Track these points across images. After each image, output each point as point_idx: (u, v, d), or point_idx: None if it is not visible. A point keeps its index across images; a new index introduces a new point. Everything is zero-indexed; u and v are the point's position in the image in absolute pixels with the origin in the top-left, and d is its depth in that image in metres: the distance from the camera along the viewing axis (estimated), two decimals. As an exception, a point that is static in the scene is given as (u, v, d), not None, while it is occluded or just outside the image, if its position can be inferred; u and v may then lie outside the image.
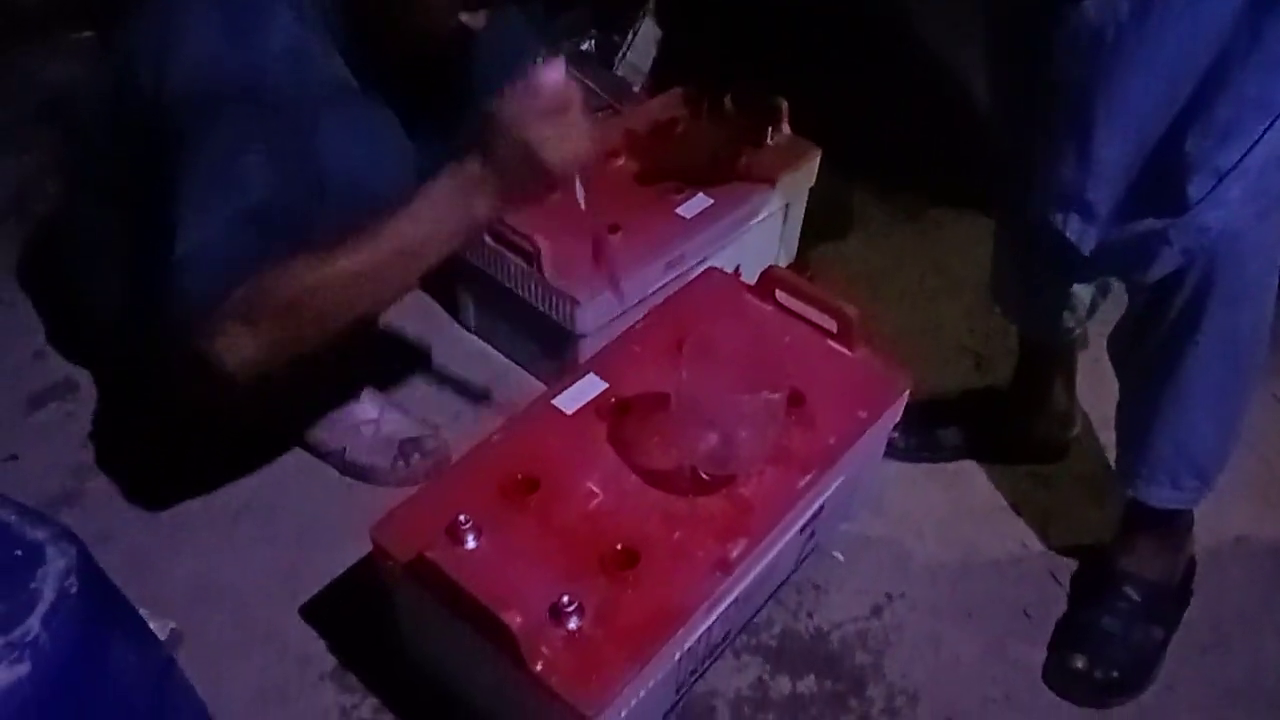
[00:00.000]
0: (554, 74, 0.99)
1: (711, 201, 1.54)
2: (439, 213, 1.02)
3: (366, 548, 1.10)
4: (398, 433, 1.40)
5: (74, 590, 0.66)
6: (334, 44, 1.14)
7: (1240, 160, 0.99)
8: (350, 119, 1.12)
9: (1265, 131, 0.98)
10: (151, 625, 0.96)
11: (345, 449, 1.39)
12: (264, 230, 1.02)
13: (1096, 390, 1.47)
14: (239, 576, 1.29)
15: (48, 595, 0.66)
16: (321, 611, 1.27)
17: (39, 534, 0.69)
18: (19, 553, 0.68)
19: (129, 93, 1.12)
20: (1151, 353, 1.15)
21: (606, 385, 1.22)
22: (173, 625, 1.19)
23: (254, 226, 1.02)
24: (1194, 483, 1.21)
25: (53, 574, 0.67)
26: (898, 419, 1.29)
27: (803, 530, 1.20)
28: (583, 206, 1.12)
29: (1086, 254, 1.11)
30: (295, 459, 1.43)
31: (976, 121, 1.34)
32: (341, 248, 1.00)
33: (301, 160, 1.06)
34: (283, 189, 1.04)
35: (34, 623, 0.64)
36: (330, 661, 1.22)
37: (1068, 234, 1.11)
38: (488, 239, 1.44)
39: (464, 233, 1.05)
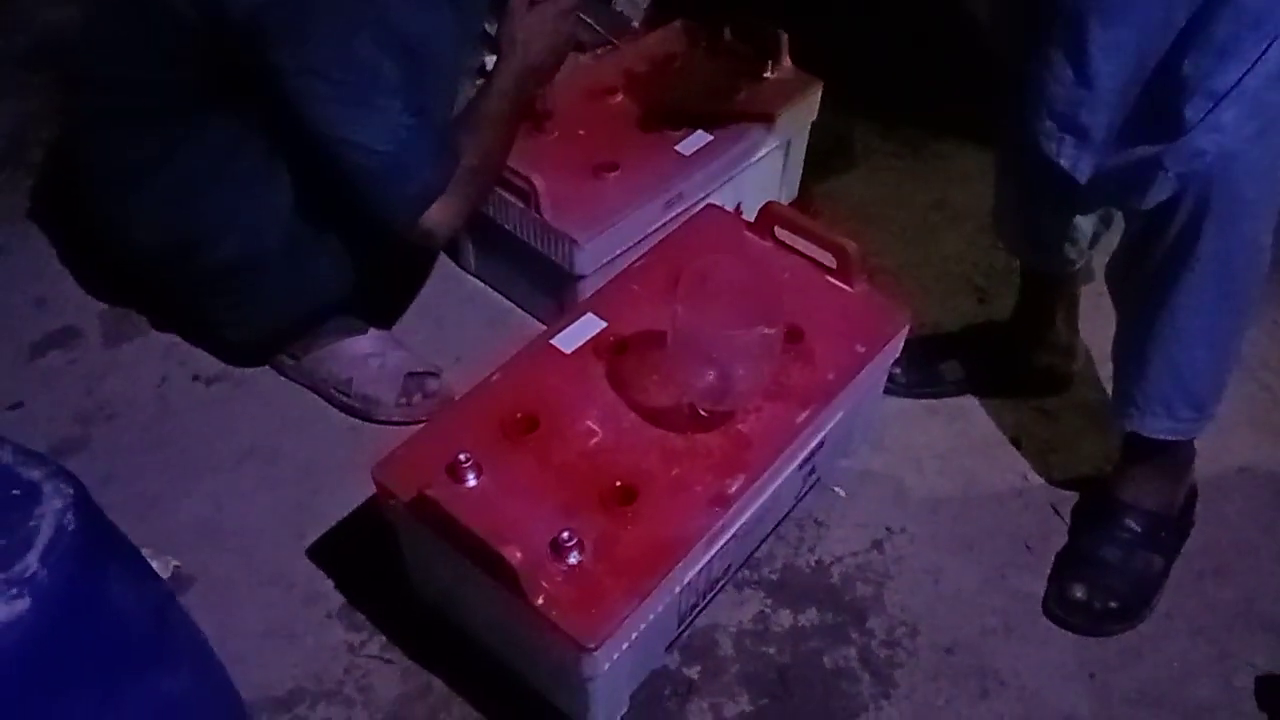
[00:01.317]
0: None
1: (711, 138, 1.52)
2: (514, 93, 1.30)
3: (370, 488, 1.11)
4: (403, 366, 1.42)
5: (72, 528, 0.67)
6: None
7: (1238, 81, 0.97)
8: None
9: (1265, 50, 0.96)
10: (154, 564, 0.97)
11: (353, 379, 1.41)
12: (410, 106, 1.16)
13: (1099, 323, 1.46)
14: (246, 518, 1.31)
15: (46, 532, 0.66)
16: (328, 551, 1.28)
17: (36, 473, 0.70)
18: (17, 492, 0.69)
19: (168, 16, 1.12)
20: (1147, 279, 1.14)
21: (605, 324, 1.22)
22: (176, 563, 1.21)
23: (408, 105, 1.16)
24: (1190, 414, 1.21)
25: (50, 512, 0.68)
26: (898, 354, 1.29)
27: (802, 466, 1.21)
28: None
29: (1082, 181, 1.10)
30: (299, 403, 1.44)
31: (979, 53, 1.32)
32: (479, 126, 1.26)
33: (393, 34, 1.16)
34: (392, 62, 1.14)
35: (32, 559, 0.65)
36: (337, 600, 1.24)
37: (1062, 161, 1.10)
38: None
39: (524, 99, 1.33)
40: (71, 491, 0.69)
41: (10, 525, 0.67)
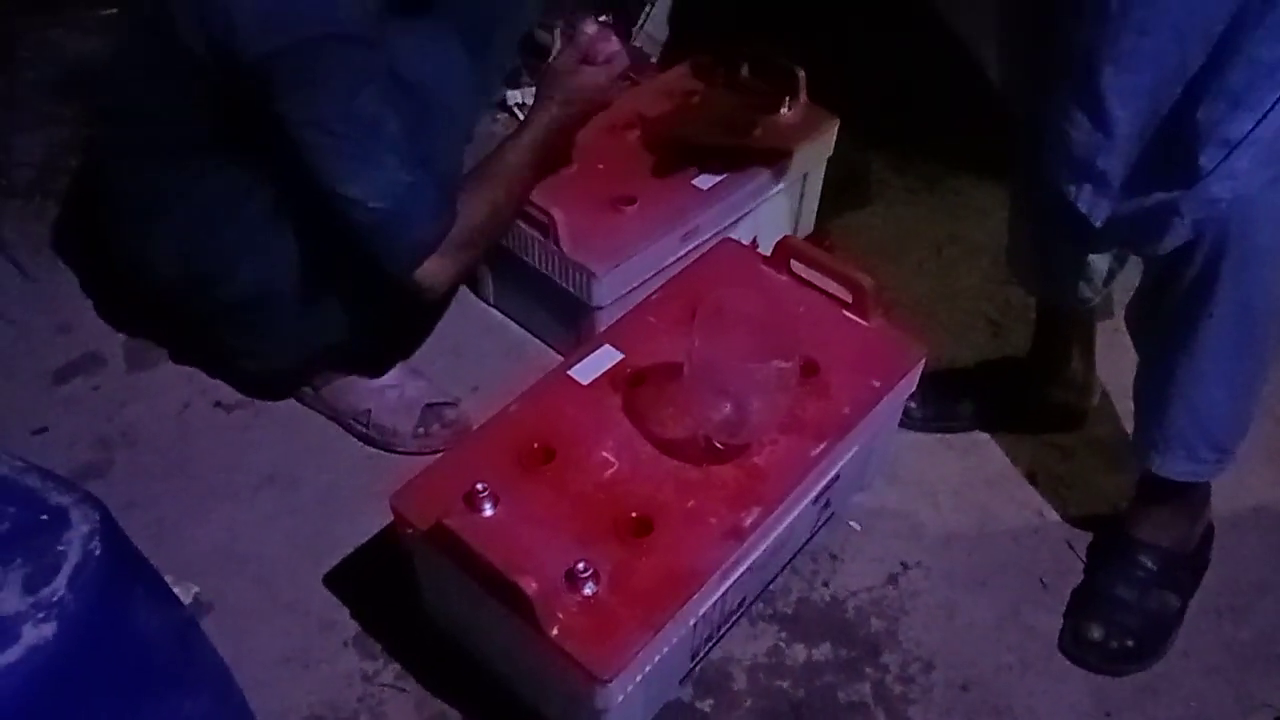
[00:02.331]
0: (606, 45, 1.30)
1: (728, 172, 1.54)
2: (536, 150, 1.30)
3: (388, 517, 1.12)
4: (421, 398, 1.43)
5: (98, 553, 0.68)
6: None
7: (1252, 129, 0.98)
8: (417, 39, 1.25)
9: (1279, 99, 0.96)
10: (175, 590, 0.98)
11: (371, 410, 1.42)
12: (411, 160, 1.16)
13: (1115, 359, 1.46)
14: (263, 545, 1.32)
15: (73, 557, 0.67)
16: (344, 579, 1.29)
17: (64, 499, 0.71)
18: (44, 517, 0.70)
19: (184, 54, 1.12)
20: (1166, 323, 1.14)
21: (622, 356, 1.23)
22: (196, 590, 1.21)
23: (406, 160, 1.15)
24: (1211, 455, 1.21)
25: (77, 537, 0.69)
26: (913, 388, 1.30)
27: (817, 499, 1.21)
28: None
29: (1098, 225, 1.10)
30: (319, 431, 1.45)
31: (993, 90, 1.33)
32: (489, 181, 1.26)
33: (397, 84, 1.16)
34: (396, 116, 1.14)
35: (60, 584, 0.66)
36: (353, 628, 1.24)
37: (1079, 205, 1.10)
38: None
39: (550, 154, 1.35)
40: (98, 517, 0.71)
41: (38, 550, 0.68)
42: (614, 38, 1.31)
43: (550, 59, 1.34)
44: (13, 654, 0.63)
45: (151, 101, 1.23)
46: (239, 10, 1.07)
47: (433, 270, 1.21)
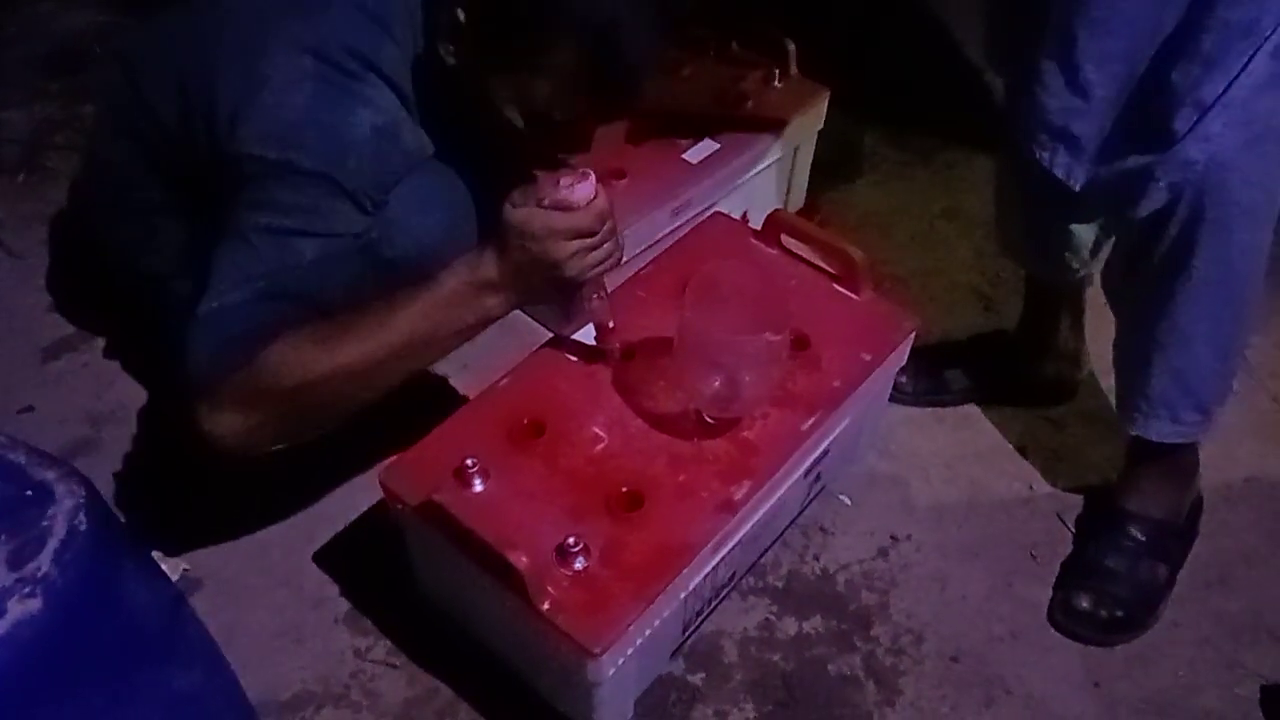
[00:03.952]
0: (583, 191, 1.01)
1: (718, 146, 1.53)
2: (452, 309, 1.04)
3: (379, 493, 1.11)
4: None
5: (83, 528, 0.68)
6: (419, 114, 1.11)
7: (1224, 91, 0.98)
8: (423, 187, 1.09)
9: (1249, 60, 0.97)
10: (163, 567, 0.97)
11: None
12: (294, 310, 1.02)
13: (1106, 332, 1.46)
14: (254, 522, 1.32)
15: (58, 533, 0.67)
16: (336, 556, 1.29)
17: (49, 474, 0.71)
18: (29, 492, 0.69)
19: (198, 108, 1.09)
20: (1145, 287, 1.15)
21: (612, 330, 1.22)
22: (185, 567, 1.21)
23: (286, 305, 1.02)
24: (1194, 416, 1.21)
25: (62, 512, 0.68)
26: (903, 362, 1.29)
27: (808, 473, 1.21)
28: (610, 323, 1.15)
29: (1076, 189, 1.10)
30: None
31: (975, 65, 1.33)
32: (349, 335, 1.01)
33: (361, 248, 1.05)
34: (330, 273, 1.03)
35: (45, 559, 0.66)
36: (344, 605, 1.25)
37: (1055, 169, 1.11)
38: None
39: (474, 329, 1.07)
40: (83, 492, 0.70)
41: (23, 525, 0.68)
42: (595, 183, 1.02)
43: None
44: (-2, 628, 0.63)
45: (148, 106, 1.19)
46: (253, 109, 1.02)
47: (213, 417, 1.01)
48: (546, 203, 1.01)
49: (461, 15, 1.04)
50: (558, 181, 1.01)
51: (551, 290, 1.06)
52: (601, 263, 1.07)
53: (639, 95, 1.08)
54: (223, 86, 1.06)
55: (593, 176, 1.02)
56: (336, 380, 1.02)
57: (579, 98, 1.04)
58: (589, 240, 1.03)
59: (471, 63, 1.07)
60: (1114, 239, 1.21)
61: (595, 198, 1.02)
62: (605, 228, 1.05)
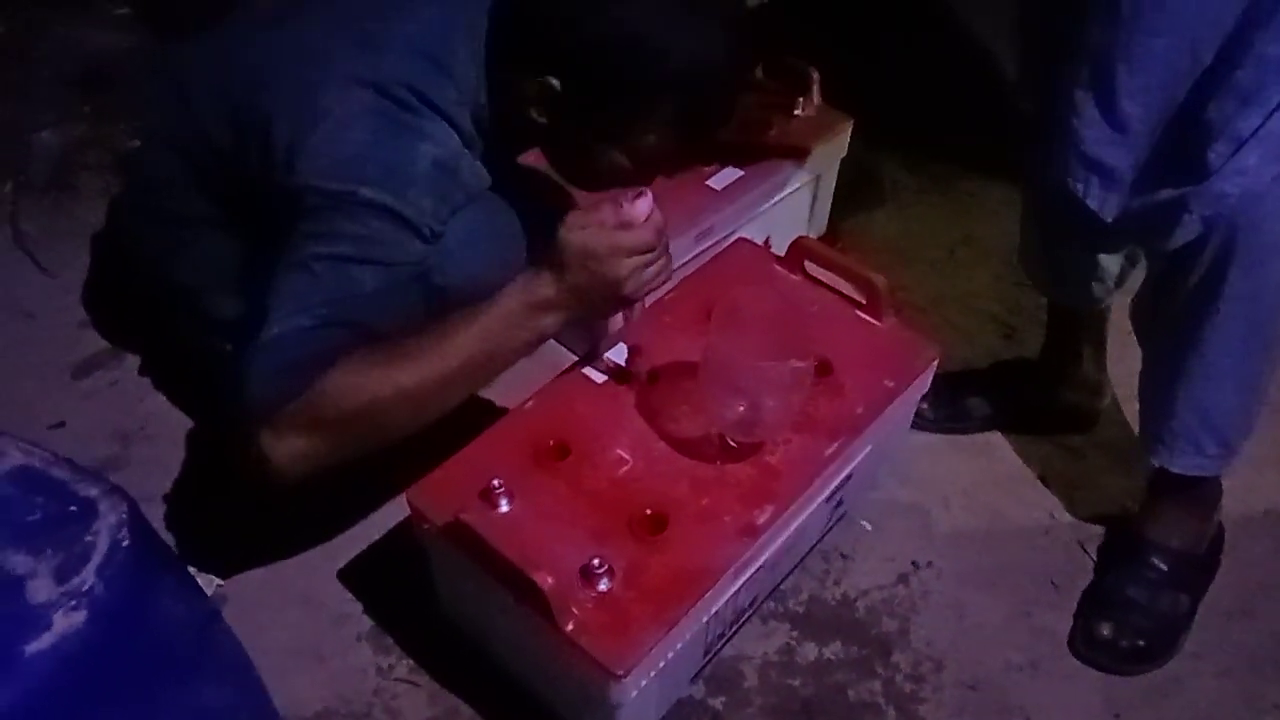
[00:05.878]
0: (644, 207, 1.04)
1: (742, 173, 1.55)
2: (509, 329, 1.06)
3: (403, 512, 1.13)
4: None
5: (125, 543, 0.69)
6: (479, 152, 1.13)
7: (1261, 126, 0.98)
8: (475, 218, 1.11)
9: None
10: (198, 580, 0.99)
11: None
12: (354, 337, 1.04)
13: (1127, 360, 1.46)
14: (278, 540, 1.33)
15: (101, 547, 0.69)
16: (358, 574, 1.30)
17: (92, 490, 0.72)
18: (74, 508, 0.71)
19: (252, 136, 1.10)
20: (1173, 319, 1.15)
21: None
22: (219, 582, 1.22)
23: (346, 333, 1.03)
24: (1218, 450, 1.21)
25: (105, 528, 0.70)
26: (926, 389, 1.30)
27: (829, 498, 1.22)
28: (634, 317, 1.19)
29: (1108, 220, 1.11)
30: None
31: (1007, 90, 1.34)
32: (408, 358, 1.03)
33: (418, 279, 1.07)
34: (389, 301, 1.05)
35: (89, 573, 0.67)
36: (367, 623, 1.25)
37: (1090, 201, 1.11)
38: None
39: (530, 348, 1.09)
40: (125, 508, 0.72)
41: (67, 540, 0.69)
42: (651, 199, 1.04)
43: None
44: (44, 641, 0.64)
45: (159, 164, 1.21)
46: (313, 142, 1.04)
47: (274, 442, 1.01)
48: (611, 223, 1.04)
49: (557, 84, 1.05)
50: (618, 202, 1.04)
51: (607, 308, 1.10)
52: (656, 277, 1.09)
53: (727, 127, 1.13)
54: (279, 118, 1.07)
55: (649, 193, 1.05)
56: (397, 402, 1.03)
57: (681, 142, 1.09)
58: (647, 256, 1.06)
59: (569, 126, 1.09)
60: (1143, 270, 1.22)
61: (653, 213, 1.05)
62: (662, 243, 1.08)
